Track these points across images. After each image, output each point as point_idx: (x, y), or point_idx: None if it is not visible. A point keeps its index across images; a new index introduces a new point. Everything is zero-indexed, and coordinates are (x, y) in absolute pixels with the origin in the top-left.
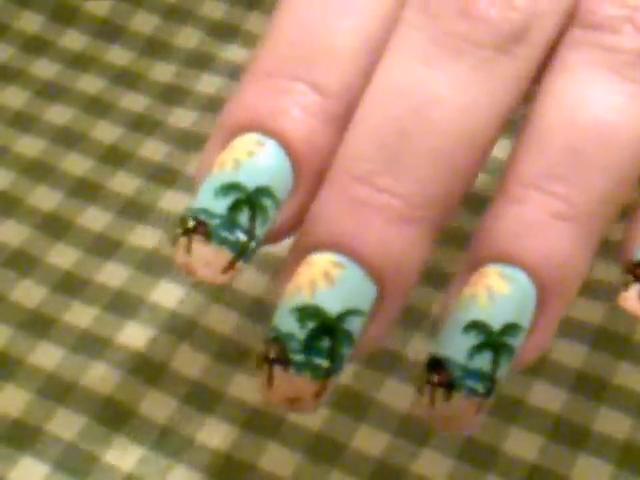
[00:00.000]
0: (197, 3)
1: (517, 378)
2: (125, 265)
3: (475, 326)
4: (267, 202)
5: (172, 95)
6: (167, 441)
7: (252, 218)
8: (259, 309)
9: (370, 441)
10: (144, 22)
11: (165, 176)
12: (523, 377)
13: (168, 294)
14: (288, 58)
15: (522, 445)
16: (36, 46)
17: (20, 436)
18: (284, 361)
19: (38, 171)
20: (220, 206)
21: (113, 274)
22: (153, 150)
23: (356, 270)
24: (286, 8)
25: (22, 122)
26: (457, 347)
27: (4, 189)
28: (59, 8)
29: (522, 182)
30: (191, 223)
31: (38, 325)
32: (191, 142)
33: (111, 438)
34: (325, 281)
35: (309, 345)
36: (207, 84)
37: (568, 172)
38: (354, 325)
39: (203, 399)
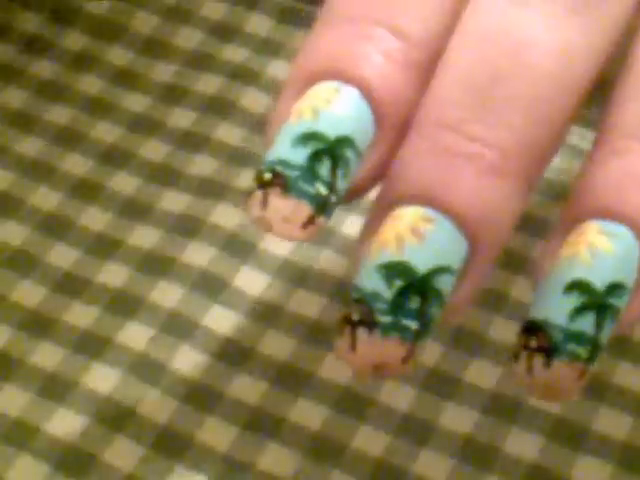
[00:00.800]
0: (197, 3)
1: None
2: (125, 265)
3: (577, 286)
4: (348, 153)
5: (172, 95)
6: (167, 441)
7: (333, 169)
8: (259, 310)
9: (370, 441)
10: (144, 22)
11: (165, 176)
12: None
13: (168, 294)
14: (368, 2)
15: (522, 445)
16: (36, 46)
17: (20, 436)
18: (369, 323)
19: (38, 171)
20: (299, 157)
21: (113, 274)
22: (153, 150)
23: (446, 224)
24: None
25: (22, 122)
26: (558, 309)
27: (4, 189)
28: (59, 8)
29: (623, 133)
30: (267, 175)
31: (38, 325)
32: (191, 142)
33: (111, 438)
34: (414, 236)
35: (397, 305)
36: (207, 84)
37: None
38: (445, 284)
39: (203, 399)
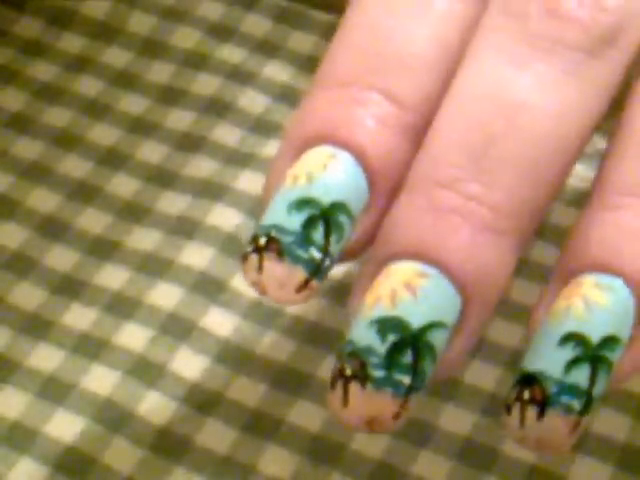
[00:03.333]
0: (194, 3)
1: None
2: (124, 267)
3: (572, 338)
4: (342, 218)
5: (170, 96)
6: (167, 443)
7: (327, 235)
8: (261, 313)
9: (369, 442)
10: (141, 23)
11: (164, 178)
12: None
13: (167, 296)
14: (361, 66)
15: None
16: (34, 48)
17: (19, 438)
18: (362, 377)
19: (36, 173)
20: (294, 222)
21: (112, 276)
22: (152, 152)
23: (440, 280)
24: (357, 12)
25: (20, 124)
26: (552, 360)
27: (2, 191)
28: (56, 10)
29: (619, 190)
30: (262, 240)
31: (37, 327)
32: (189, 143)
33: (111, 440)
34: (407, 292)
35: (390, 360)
36: (205, 85)
37: None
38: (438, 339)
39: (202, 401)
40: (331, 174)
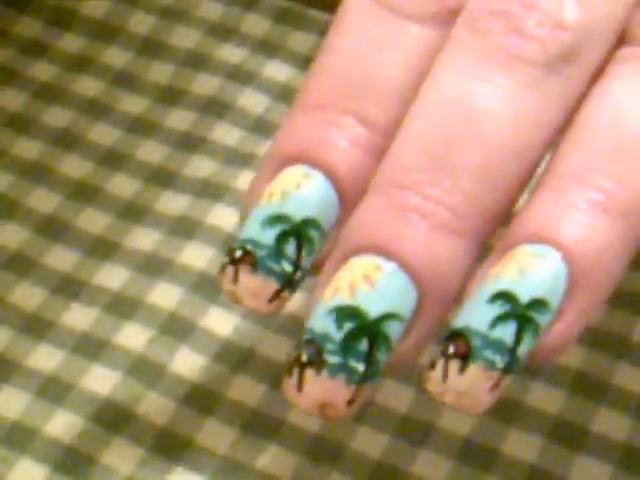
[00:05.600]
0: (194, 3)
1: (515, 379)
2: (124, 267)
3: (501, 296)
4: (313, 233)
5: (170, 96)
6: (166, 443)
7: (298, 249)
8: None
9: (369, 442)
10: (141, 23)
11: (164, 178)
12: (522, 378)
13: (167, 296)
14: (338, 91)
15: (521, 446)
16: (34, 49)
17: (19, 438)
18: (317, 363)
19: (36, 173)
20: (267, 237)
21: (112, 276)
22: (152, 152)
23: (398, 274)
24: (335, 38)
25: (20, 124)
26: (479, 316)
27: (2, 191)
28: (56, 10)
29: (565, 174)
30: (238, 253)
31: (37, 327)
32: (189, 143)
33: (110, 440)
34: (366, 283)
35: (346, 346)
36: (204, 85)
37: (611, 167)
38: (393, 329)
39: (202, 400)
40: (304, 192)
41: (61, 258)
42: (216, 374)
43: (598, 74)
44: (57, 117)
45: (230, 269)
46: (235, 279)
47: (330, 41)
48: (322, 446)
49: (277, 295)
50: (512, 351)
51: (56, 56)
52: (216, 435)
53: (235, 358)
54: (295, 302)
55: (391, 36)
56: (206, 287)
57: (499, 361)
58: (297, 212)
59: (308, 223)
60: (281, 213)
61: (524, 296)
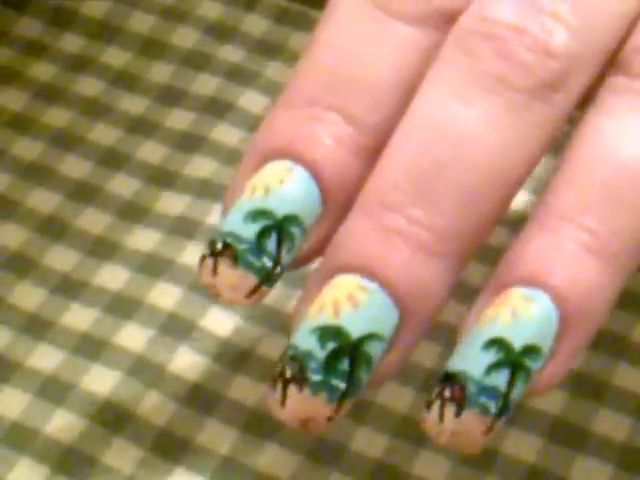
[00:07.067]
0: (194, 3)
1: None
2: (124, 267)
3: (495, 343)
4: (294, 230)
5: (170, 96)
6: (167, 443)
7: (279, 245)
8: (260, 313)
9: (369, 442)
10: (141, 23)
11: (164, 178)
12: None
13: (167, 296)
14: (323, 87)
15: (521, 446)
16: (34, 48)
17: (19, 438)
18: (300, 380)
19: (36, 173)
20: (248, 231)
21: (112, 276)
22: (152, 152)
23: (380, 295)
24: (323, 36)
25: (20, 124)
26: (474, 362)
27: (2, 191)
28: (56, 10)
29: (555, 213)
30: (219, 245)
31: (37, 327)
32: (189, 143)
33: (110, 440)
34: (349, 303)
35: (328, 365)
36: (204, 85)
37: (601, 208)
38: (375, 350)
39: (203, 401)
40: (287, 188)
41: (61, 258)
42: (216, 374)
43: (586, 97)
44: (57, 117)
45: (210, 261)
46: (214, 271)
47: (319, 36)
48: (322, 446)
49: (255, 290)
50: (505, 397)
51: (56, 56)
52: (216, 435)
53: (235, 358)
54: (295, 302)
55: (381, 35)
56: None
57: (493, 407)
58: (279, 208)
59: (290, 219)
60: (264, 208)
61: (517, 343)
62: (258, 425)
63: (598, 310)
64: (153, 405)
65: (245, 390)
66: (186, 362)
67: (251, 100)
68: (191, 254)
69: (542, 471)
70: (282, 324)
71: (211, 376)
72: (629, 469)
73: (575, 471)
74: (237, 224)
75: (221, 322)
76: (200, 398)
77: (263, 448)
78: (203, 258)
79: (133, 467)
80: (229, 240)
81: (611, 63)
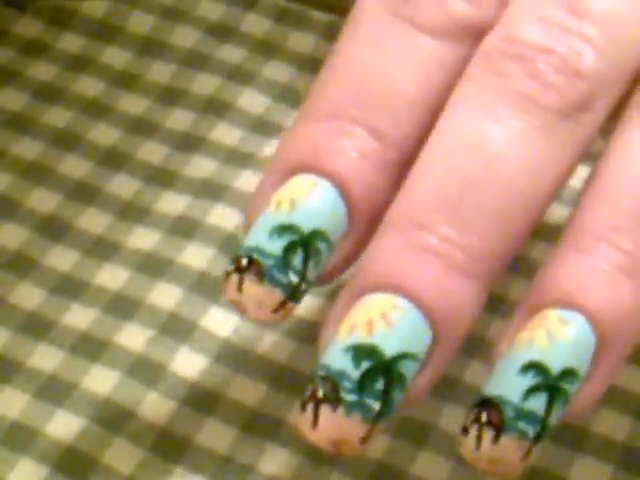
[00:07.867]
0: (194, 3)
1: None
2: (124, 267)
3: (533, 367)
4: (321, 245)
5: (170, 96)
6: (167, 443)
7: (305, 260)
8: None
9: (370, 443)
10: (140, 23)
11: (164, 178)
12: None
13: (167, 296)
14: (348, 100)
15: None
16: (34, 48)
17: (19, 438)
18: (333, 400)
19: (36, 173)
20: (275, 247)
21: (112, 276)
22: (152, 152)
23: (414, 314)
24: (347, 48)
25: (20, 124)
26: (512, 387)
27: (2, 191)
28: (56, 10)
29: (589, 232)
30: (244, 261)
31: (37, 327)
32: (189, 143)
33: (111, 440)
34: (383, 322)
35: (363, 385)
36: (205, 85)
37: (633, 227)
38: (409, 369)
39: (202, 401)
40: (313, 202)
41: (61, 258)
42: (216, 374)
43: (614, 112)
44: (57, 117)
45: (235, 277)
46: (240, 288)
47: (342, 47)
48: None
49: (282, 306)
50: (543, 421)
51: (56, 56)
52: (216, 435)
53: (235, 358)
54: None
55: (406, 48)
56: (206, 287)
57: (531, 432)
58: (306, 223)
59: (316, 234)
60: (289, 223)
61: (555, 366)
62: (258, 425)
63: (634, 331)
64: (153, 405)
65: (245, 390)
66: (186, 362)
67: (251, 100)
68: (191, 254)
69: (542, 471)
70: (283, 324)
71: (211, 376)
72: (629, 469)
73: (575, 471)
74: (262, 239)
75: (221, 322)
76: (200, 398)
77: (263, 448)
78: (228, 274)
79: (133, 467)
80: (255, 256)
81: (638, 79)
